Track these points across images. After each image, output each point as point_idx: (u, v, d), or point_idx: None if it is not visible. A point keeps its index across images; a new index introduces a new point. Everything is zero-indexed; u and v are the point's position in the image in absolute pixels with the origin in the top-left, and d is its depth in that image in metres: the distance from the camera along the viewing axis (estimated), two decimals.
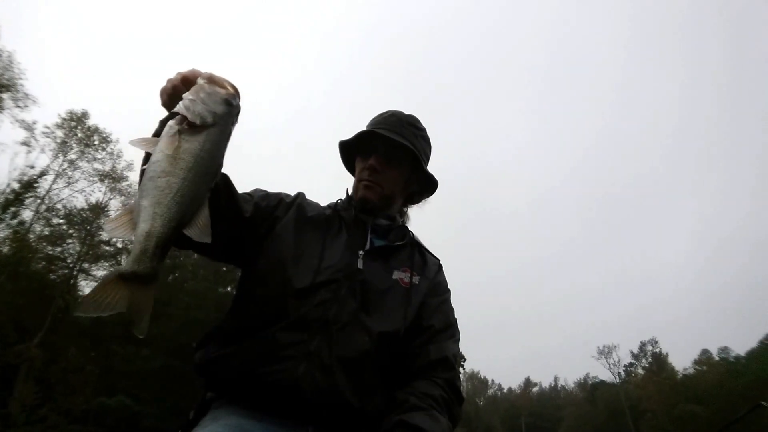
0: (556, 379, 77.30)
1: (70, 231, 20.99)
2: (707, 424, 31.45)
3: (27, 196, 19.22)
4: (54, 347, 18.19)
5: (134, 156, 22.58)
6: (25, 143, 19.20)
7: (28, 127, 19.08)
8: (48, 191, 20.01)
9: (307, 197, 1.32)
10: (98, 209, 21.48)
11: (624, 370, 52.29)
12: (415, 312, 1.15)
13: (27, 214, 19.39)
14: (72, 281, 21.28)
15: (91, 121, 21.34)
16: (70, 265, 20.97)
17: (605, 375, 57.42)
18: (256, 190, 1.23)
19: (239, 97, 0.92)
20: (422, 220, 1.45)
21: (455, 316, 1.26)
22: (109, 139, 21.62)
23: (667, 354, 47.53)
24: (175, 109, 0.86)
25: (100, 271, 22.49)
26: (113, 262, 22.84)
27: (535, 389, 76.50)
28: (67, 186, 20.69)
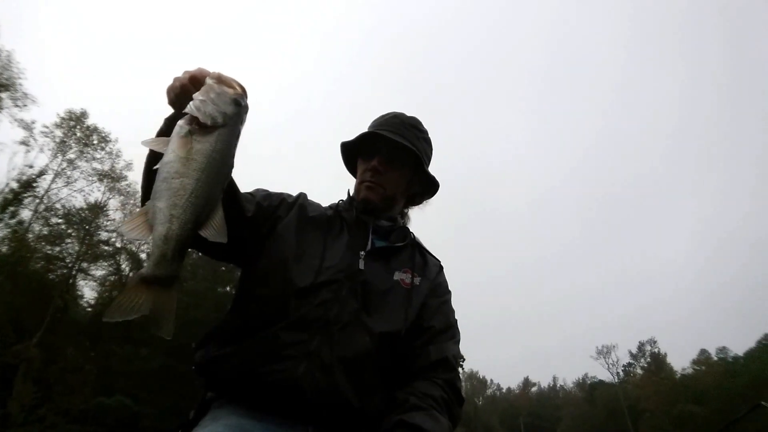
0: (554, 379, 77.52)
1: (69, 231, 20.96)
2: (705, 424, 31.53)
3: (26, 195, 19.20)
4: (52, 347, 18.15)
5: (133, 155, 22.59)
6: (24, 143, 19.22)
7: (27, 127, 19.10)
8: (47, 191, 20.00)
9: (309, 197, 1.32)
10: (97, 209, 21.46)
11: (623, 370, 52.47)
12: (415, 313, 1.15)
13: (26, 214, 19.40)
14: (71, 281, 21.26)
15: (90, 121, 21.35)
16: (69, 265, 20.95)
17: (604, 375, 57.55)
18: (257, 190, 1.24)
19: (247, 97, 0.93)
20: (422, 221, 1.46)
21: (456, 317, 1.26)
22: (108, 139, 21.62)
23: (665, 354, 47.74)
24: (186, 110, 0.86)
25: (99, 271, 22.54)
26: (112, 261, 22.86)
27: (534, 389, 76.73)
28: (66, 185, 20.68)
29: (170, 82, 0.98)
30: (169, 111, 1.01)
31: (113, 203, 22.17)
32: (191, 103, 0.87)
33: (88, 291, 23.65)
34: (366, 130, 1.35)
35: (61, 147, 20.49)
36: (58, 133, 20.44)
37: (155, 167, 0.85)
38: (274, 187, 1.29)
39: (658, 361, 47.07)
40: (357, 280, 1.11)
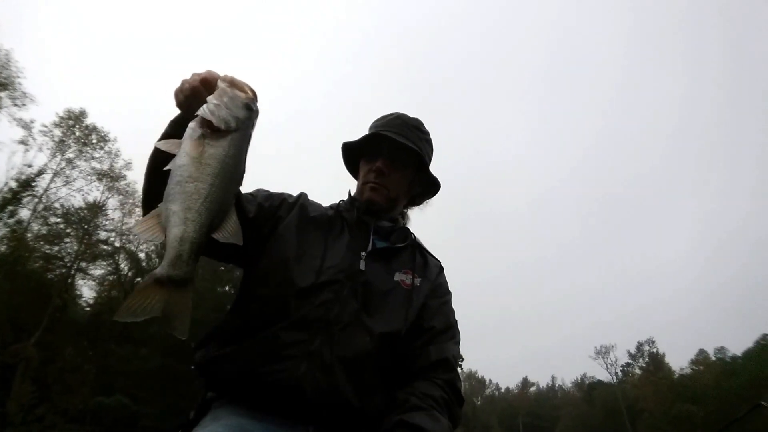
0: (553, 378, 77.56)
1: (68, 230, 20.93)
2: (703, 424, 31.61)
3: (24, 194, 19.17)
4: (51, 346, 18.14)
5: (132, 155, 22.56)
6: (23, 142, 19.18)
7: (26, 126, 19.08)
8: (45, 190, 19.96)
9: (309, 197, 1.32)
10: (96, 208, 21.43)
11: (621, 370, 52.57)
12: (416, 313, 1.15)
13: (24, 213, 19.36)
14: (69, 280, 21.23)
15: (89, 120, 21.31)
16: (68, 265, 20.92)
17: (602, 375, 57.67)
18: (258, 190, 1.24)
19: (257, 101, 0.93)
20: (422, 221, 1.46)
21: (456, 318, 1.27)
22: (107, 138, 21.58)
23: (664, 354, 47.77)
24: (199, 113, 0.86)
25: (98, 271, 22.51)
26: (111, 261, 22.82)
27: (532, 389, 76.66)
28: (65, 185, 20.64)
29: (178, 84, 0.97)
30: (171, 114, 1.00)
31: (112, 203, 22.18)
32: (205, 106, 0.86)
33: (86, 290, 23.66)
34: (367, 130, 1.36)
35: (60, 146, 20.47)
36: (57, 132, 20.43)
37: (165, 168, 0.84)
38: (275, 187, 1.29)
39: (656, 361, 47.13)
40: (358, 281, 1.11)
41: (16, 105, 17.97)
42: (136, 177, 21.61)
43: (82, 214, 21.23)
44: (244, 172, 0.91)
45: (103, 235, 22.10)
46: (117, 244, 22.89)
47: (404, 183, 1.31)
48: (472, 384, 70.89)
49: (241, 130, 0.87)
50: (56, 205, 20.48)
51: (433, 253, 1.35)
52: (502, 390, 78.75)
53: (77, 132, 20.93)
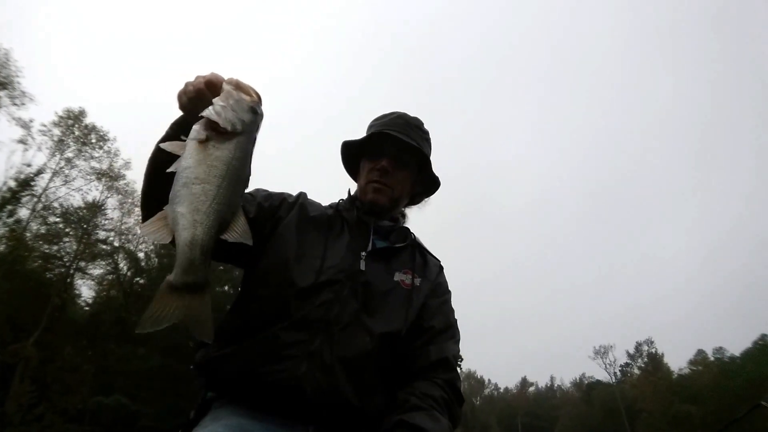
0: (552, 378, 77.66)
1: (67, 229, 20.86)
2: (702, 424, 31.64)
3: (23, 194, 19.11)
4: (50, 346, 18.10)
5: (132, 154, 22.53)
6: (22, 141, 19.10)
7: (25, 125, 19.00)
8: (45, 189, 19.91)
9: (309, 197, 1.32)
10: (95, 208, 21.37)
11: (620, 370, 52.64)
12: (415, 313, 1.15)
13: (23, 213, 19.30)
14: (68, 280, 21.19)
15: (89, 120, 21.25)
16: (67, 264, 20.86)
17: (601, 375, 57.70)
18: (257, 190, 1.23)
19: (262, 104, 0.93)
20: (421, 220, 1.46)
21: (455, 317, 1.27)
22: (106, 138, 21.50)
23: (662, 354, 47.73)
24: (205, 114, 0.85)
25: (97, 270, 22.45)
26: (110, 260, 22.78)
27: (531, 389, 76.70)
28: (64, 184, 20.57)
29: (180, 86, 0.96)
30: (170, 114, 0.99)
31: (111, 202, 22.09)
32: (211, 107, 0.86)
33: (85, 290, 23.59)
34: (366, 130, 1.35)
35: (59, 146, 20.40)
36: (56, 131, 20.35)
37: (169, 170, 0.84)
38: (274, 187, 1.29)
39: (655, 361, 47.11)
40: (358, 281, 1.11)
41: (15, 104, 17.92)
42: (136, 176, 21.60)
43: (81, 213, 21.18)
44: (250, 174, 0.91)
45: (102, 234, 22.06)
46: (116, 244, 22.85)
47: (407, 183, 1.31)
48: (471, 384, 70.88)
49: (246, 132, 0.87)
50: (55, 204, 20.44)
51: (432, 253, 1.35)
52: (501, 390, 78.85)
53: (76, 131, 20.87)
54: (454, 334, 1.21)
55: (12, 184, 18.66)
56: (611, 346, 53.05)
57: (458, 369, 1.19)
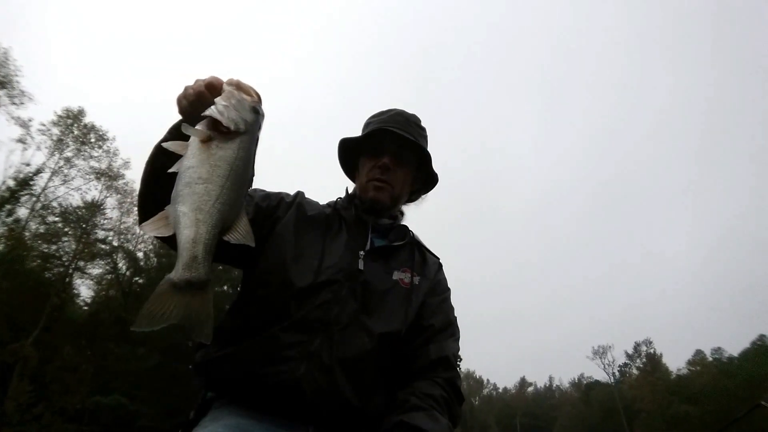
0: (551, 379, 77.71)
1: (66, 229, 20.83)
2: (700, 425, 31.68)
3: (22, 193, 19.10)
4: (49, 346, 18.07)
5: (131, 154, 22.50)
6: (21, 140, 19.10)
7: (24, 125, 19.00)
8: (44, 189, 19.89)
9: (306, 196, 1.31)
10: (94, 207, 21.36)
11: (618, 371, 52.65)
12: (415, 312, 1.15)
13: (22, 212, 19.28)
14: (67, 279, 21.16)
15: (88, 119, 21.23)
16: (66, 264, 20.83)
17: (600, 375, 57.87)
18: (255, 190, 1.22)
19: (262, 105, 0.92)
20: (421, 218, 1.46)
21: (455, 315, 1.26)
22: (105, 137, 21.49)
23: (661, 354, 47.80)
24: (208, 113, 0.85)
25: (96, 270, 22.43)
26: (109, 260, 22.76)
27: (530, 389, 76.79)
28: (63, 184, 20.56)
29: (180, 90, 0.95)
30: (169, 115, 0.98)
31: (110, 201, 22.08)
32: (213, 107, 0.86)
33: (84, 290, 23.55)
34: (363, 127, 1.34)
35: (59, 145, 20.38)
36: (56, 131, 20.34)
37: (171, 170, 0.83)
38: (274, 187, 1.29)
39: (653, 362, 47.16)
40: (357, 281, 1.11)
41: (14, 103, 17.95)
42: (135, 176, 21.61)
43: (80, 213, 21.16)
44: (253, 175, 0.91)
45: (101, 234, 22.05)
46: (115, 244, 22.84)
47: (408, 180, 1.31)
48: (470, 384, 70.89)
49: (249, 132, 0.87)
50: (54, 203, 20.41)
51: (431, 250, 1.35)
52: (500, 390, 78.90)
53: (75, 131, 20.86)
54: (453, 333, 1.20)
55: (11, 183, 18.67)
56: (610, 347, 53.15)
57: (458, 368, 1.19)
